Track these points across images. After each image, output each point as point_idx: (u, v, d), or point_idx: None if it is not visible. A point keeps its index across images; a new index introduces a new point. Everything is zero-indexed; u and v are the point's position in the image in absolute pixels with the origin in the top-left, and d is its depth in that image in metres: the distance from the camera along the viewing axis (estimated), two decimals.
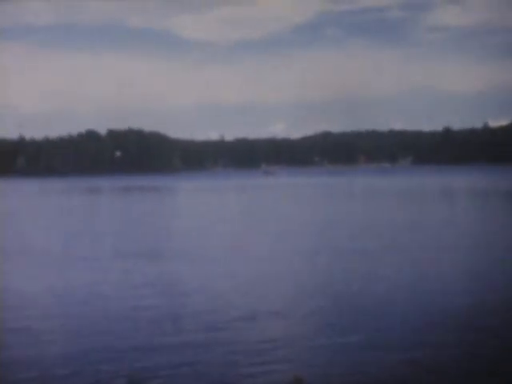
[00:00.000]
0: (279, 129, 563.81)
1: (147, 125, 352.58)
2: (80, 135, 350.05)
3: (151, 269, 35.68)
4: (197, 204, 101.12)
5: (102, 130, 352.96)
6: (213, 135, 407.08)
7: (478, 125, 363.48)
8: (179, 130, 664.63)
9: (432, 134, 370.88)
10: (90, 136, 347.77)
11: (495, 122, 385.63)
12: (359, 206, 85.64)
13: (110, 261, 38.98)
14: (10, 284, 32.18)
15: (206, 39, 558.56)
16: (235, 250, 42.89)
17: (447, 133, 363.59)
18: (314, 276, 32.75)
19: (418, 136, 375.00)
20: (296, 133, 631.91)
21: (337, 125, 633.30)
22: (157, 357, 19.75)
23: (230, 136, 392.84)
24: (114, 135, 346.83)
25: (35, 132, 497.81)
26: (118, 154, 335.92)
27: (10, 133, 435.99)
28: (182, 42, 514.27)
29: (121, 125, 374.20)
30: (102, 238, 53.58)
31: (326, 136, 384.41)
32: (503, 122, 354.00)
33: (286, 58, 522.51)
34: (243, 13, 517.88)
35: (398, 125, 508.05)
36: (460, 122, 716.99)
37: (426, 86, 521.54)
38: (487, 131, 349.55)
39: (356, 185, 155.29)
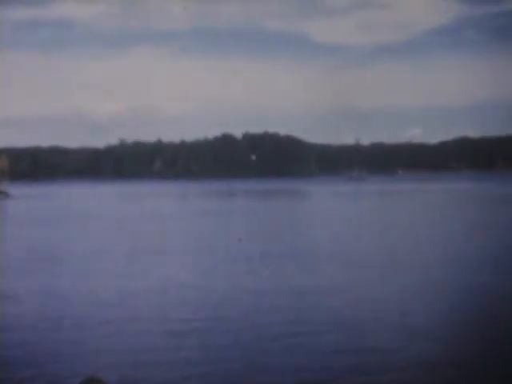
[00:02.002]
0: (416, 133, 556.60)
1: (283, 128, 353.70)
2: (216, 138, 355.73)
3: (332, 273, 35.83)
4: (341, 208, 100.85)
5: (238, 133, 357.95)
6: (348, 139, 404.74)
7: None
8: (315, 135, 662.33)
9: None
10: (226, 139, 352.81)
11: None
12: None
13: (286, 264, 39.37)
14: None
15: (342, 43, 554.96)
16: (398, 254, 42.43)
17: None
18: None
19: None
20: (433, 138, 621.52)
21: (475, 130, 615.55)
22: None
23: (365, 140, 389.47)
24: (249, 138, 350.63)
25: (173, 135, 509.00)
26: (254, 157, 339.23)
27: (149, 136, 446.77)
28: (317, 46, 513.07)
29: (256, 128, 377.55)
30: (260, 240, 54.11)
31: (463, 141, 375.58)
32: None
33: (422, 62, 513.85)
34: (379, 17, 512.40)
35: None
36: None
37: None
38: None
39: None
